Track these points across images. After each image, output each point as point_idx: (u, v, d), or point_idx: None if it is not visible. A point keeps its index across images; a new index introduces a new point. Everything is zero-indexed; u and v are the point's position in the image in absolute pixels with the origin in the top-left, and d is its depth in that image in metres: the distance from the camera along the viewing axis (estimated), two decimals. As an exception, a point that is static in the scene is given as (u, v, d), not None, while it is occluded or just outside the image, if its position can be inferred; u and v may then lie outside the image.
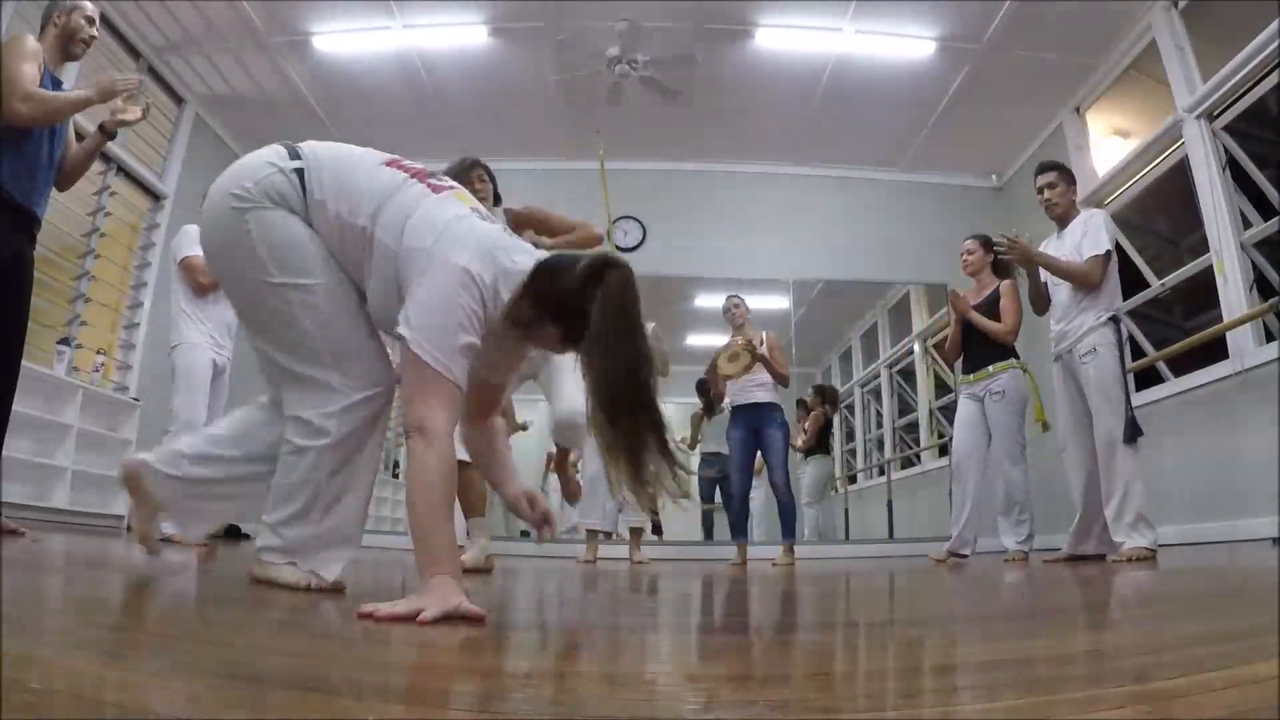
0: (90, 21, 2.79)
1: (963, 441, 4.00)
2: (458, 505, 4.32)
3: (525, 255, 1.36)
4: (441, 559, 1.18)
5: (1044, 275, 3.66)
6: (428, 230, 1.33)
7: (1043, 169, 3.68)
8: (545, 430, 7.19)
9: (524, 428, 6.48)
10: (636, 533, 4.55)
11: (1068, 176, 3.66)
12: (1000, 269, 4.07)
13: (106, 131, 2.83)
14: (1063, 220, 3.60)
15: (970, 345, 4.02)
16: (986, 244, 4.09)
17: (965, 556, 3.94)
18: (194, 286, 3.72)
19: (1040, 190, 3.63)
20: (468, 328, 1.27)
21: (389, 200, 1.39)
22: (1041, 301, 3.69)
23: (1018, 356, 3.94)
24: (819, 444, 6.10)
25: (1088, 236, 3.42)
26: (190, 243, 3.79)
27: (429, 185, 1.44)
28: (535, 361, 2.86)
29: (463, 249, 1.30)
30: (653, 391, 1.23)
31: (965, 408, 4.03)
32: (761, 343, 4.58)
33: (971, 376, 4.01)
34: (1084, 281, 3.41)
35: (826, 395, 6.32)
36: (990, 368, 3.92)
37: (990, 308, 3.96)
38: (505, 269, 1.32)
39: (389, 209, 1.38)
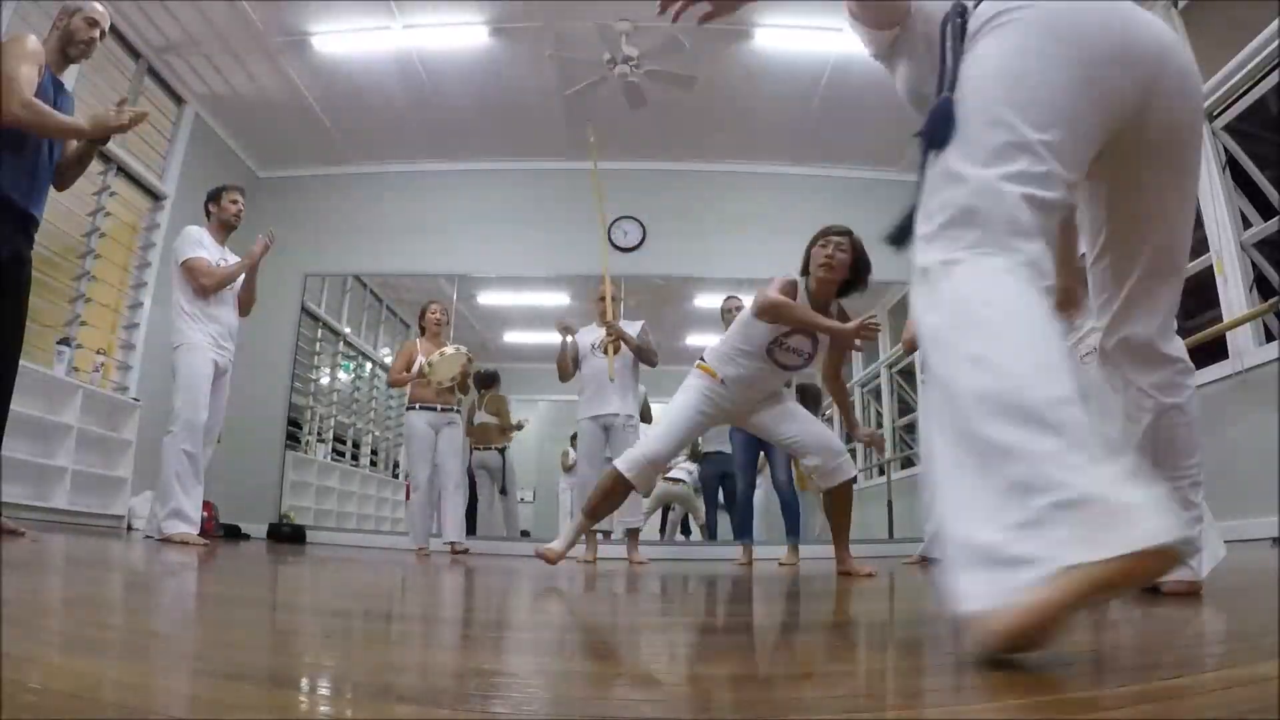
0: (91, 24, 2.75)
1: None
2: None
3: None
4: None
5: None
6: None
7: None
8: (545, 429, 7.20)
9: (519, 427, 6.48)
10: (634, 534, 4.55)
11: None
12: None
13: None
14: None
15: None
16: None
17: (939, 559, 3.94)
18: (196, 288, 3.72)
19: None
20: None
21: None
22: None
23: None
24: None
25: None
26: (192, 244, 3.78)
27: None
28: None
29: None
30: None
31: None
32: None
33: None
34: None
35: (809, 394, 6.29)
36: None
37: None
38: None
39: None
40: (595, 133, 4.81)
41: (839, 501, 3.04)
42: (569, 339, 4.54)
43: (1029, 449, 0.77)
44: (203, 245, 3.78)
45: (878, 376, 7.14)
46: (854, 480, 3.03)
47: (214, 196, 3.91)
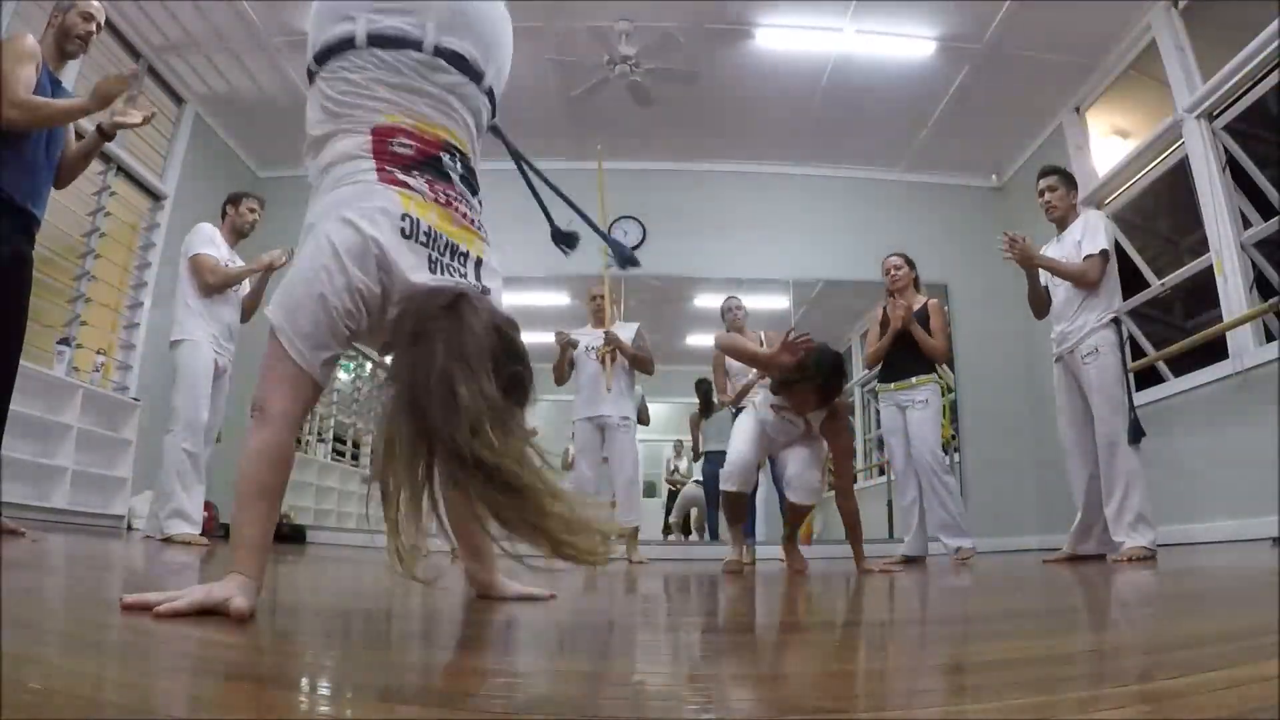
0: (87, 18, 2.74)
1: (896, 450, 4.08)
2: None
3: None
4: (239, 550, 1.11)
5: (1044, 278, 3.67)
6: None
7: (1044, 172, 3.71)
8: (543, 428, 7.19)
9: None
10: (633, 532, 4.55)
11: (1069, 180, 3.69)
12: (921, 285, 4.20)
13: (105, 133, 2.81)
14: (1062, 223, 3.63)
15: (897, 355, 4.08)
16: (910, 263, 4.20)
17: (921, 559, 3.95)
18: (201, 285, 3.73)
19: (1041, 193, 3.66)
20: (332, 309, 1.13)
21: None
22: (1041, 304, 3.70)
23: (938, 372, 4.09)
24: None
25: (1086, 236, 3.46)
26: (204, 240, 3.81)
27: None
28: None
29: (338, 217, 1.16)
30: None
31: (890, 416, 4.11)
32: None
33: (893, 385, 4.10)
34: (1083, 281, 3.42)
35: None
36: (914, 379, 4.02)
37: (918, 324, 4.02)
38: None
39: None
40: (602, 146, 4.83)
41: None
42: (570, 353, 4.64)
43: None
44: (214, 243, 3.81)
45: (878, 376, 7.14)
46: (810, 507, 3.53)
47: (234, 200, 3.97)
